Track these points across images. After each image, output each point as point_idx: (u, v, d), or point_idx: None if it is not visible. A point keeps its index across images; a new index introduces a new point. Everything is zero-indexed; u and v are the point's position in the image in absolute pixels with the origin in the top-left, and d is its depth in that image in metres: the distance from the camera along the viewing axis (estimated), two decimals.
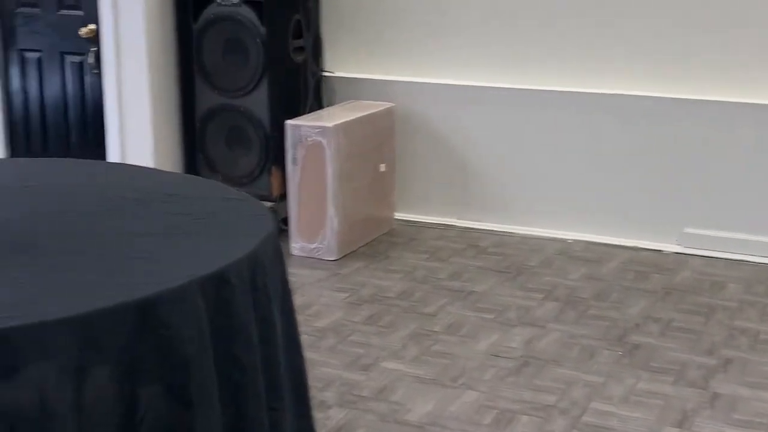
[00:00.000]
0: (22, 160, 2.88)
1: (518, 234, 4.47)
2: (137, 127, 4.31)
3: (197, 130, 4.43)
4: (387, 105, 4.57)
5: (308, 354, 2.20)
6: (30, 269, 1.72)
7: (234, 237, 1.97)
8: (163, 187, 2.31)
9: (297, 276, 3.83)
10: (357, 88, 4.66)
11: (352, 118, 4.33)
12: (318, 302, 3.71)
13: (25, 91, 4.53)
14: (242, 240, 1.93)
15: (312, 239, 4.21)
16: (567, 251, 4.27)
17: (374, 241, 4.40)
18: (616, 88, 4.25)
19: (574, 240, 4.37)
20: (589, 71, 4.30)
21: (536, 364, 3.17)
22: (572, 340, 3.36)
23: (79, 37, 4.36)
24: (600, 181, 4.35)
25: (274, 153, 4.32)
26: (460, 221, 4.61)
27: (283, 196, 4.34)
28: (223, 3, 4.28)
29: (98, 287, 1.66)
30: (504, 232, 4.49)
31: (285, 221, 4.29)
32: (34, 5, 4.45)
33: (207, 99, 4.38)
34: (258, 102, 4.32)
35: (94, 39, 4.33)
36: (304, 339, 2.18)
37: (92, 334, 1.55)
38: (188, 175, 2.60)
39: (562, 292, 3.80)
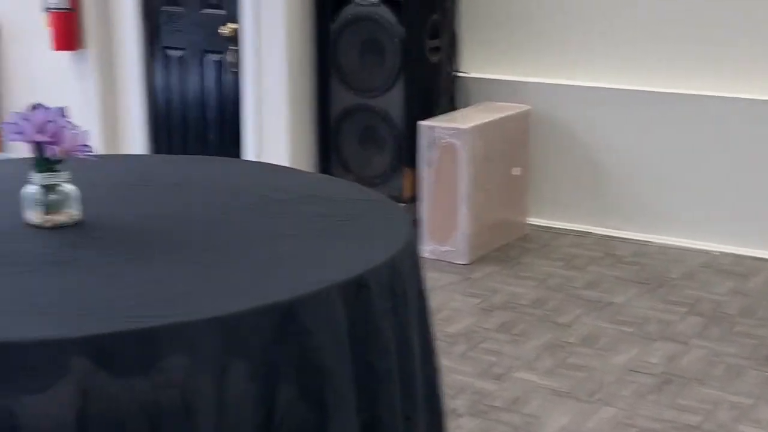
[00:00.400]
0: (168, 156, 2.93)
1: (658, 243, 4.29)
2: (273, 126, 4.35)
3: (332, 129, 4.44)
4: (522, 107, 4.47)
5: (439, 360, 2.15)
6: (179, 266, 1.73)
7: (373, 241, 1.93)
8: (303, 187, 2.30)
9: (428, 279, 3.76)
10: (492, 90, 4.57)
11: (486, 120, 4.25)
12: (449, 307, 3.65)
13: (167, 88, 4.64)
14: (382, 244, 1.89)
15: (443, 242, 4.15)
16: (711, 264, 4.06)
17: (506, 245, 4.31)
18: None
19: (720, 252, 4.16)
20: (740, 74, 4.09)
21: (678, 381, 3.02)
22: (717, 358, 3.18)
23: (220, 35, 4.43)
24: (747, 188, 4.12)
25: (407, 154, 4.28)
26: (597, 228, 4.46)
27: (414, 198, 4.30)
28: (361, 3, 4.27)
29: (242, 288, 1.65)
30: (643, 241, 4.32)
31: (416, 223, 4.25)
32: (178, 4, 4.56)
33: (342, 99, 4.39)
34: (393, 102, 4.29)
35: (235, 38, 4.39)
36: (435, 342, 2.13)
37: (234, 334, 1.54)
38: (326, 176, 2.58)
39: (705, 306, 3.62)
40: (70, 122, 1.89)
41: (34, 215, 1.90)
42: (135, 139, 4.72)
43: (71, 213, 1.93)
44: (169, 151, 4.65)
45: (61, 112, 1.88)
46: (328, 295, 1.66)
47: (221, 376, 1.53)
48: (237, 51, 4.39)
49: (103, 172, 2.24)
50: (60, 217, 1.91)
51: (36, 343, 1.42)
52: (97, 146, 4.61)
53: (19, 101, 4.95)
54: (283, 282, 1.69)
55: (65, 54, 4.66)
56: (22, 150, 1.97)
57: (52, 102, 4.53)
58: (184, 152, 4.58)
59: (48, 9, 4.61)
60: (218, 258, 1.78)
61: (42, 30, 4.71)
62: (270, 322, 1.58)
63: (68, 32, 4.60)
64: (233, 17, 4.39)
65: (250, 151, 4.40)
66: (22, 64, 4.98)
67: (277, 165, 2.62)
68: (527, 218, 4.53)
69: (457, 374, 3.07)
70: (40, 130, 1.84)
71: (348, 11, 4.30)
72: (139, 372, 1.46)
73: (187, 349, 1.49)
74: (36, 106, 1.87)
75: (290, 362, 1.62)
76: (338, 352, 1.67)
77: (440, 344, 3.21)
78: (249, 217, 2.03)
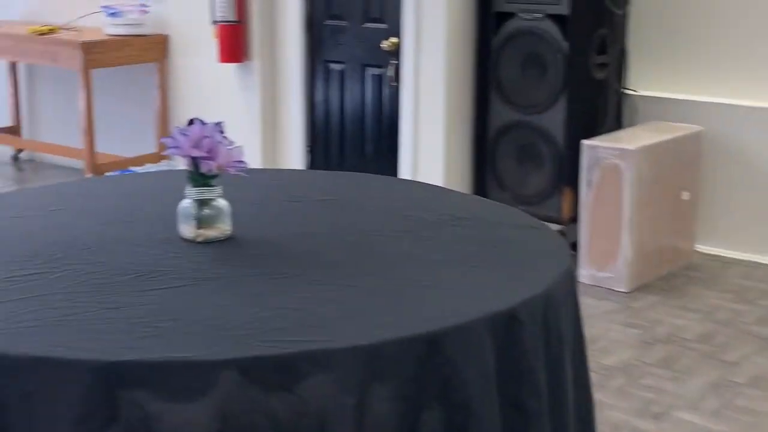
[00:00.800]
0: (320, 172, 2.92)
1: None
2: (430, 140, 4.30)
3: (489, 145, 4.34)
4: (694, 128, 4.23)
5: (594, 394, 2.02)
6: (324, 289, 1.69)
7: (527, 270, 1.83)
8: (455, 208, 2.22)
9: (584, 306, 3.62)
10: (662, 109, 4.35)
11: (654, 141, 4.04)
12: (606, 337, 3.48)
13: (327, 101, 4.67)
14: (536, 274, 1.79)
15: (602, 267, 3.97)
16: None
17: (670, 274, 4.08)
18: None
19: None
20: None
21: None
22: None
23: (380, 49, 4.42)
24: None
25: (568, 173, 4.13)
26: None
27: (573, 219, 4.14)
28: (525, 17, 4.16)
29: (387, 315, 1.59)
30: None
31: (574, 246, 4.09)
32: (341, 18, 4.59)
33: (501, 115, 4.29)
34: (554, 119, 4.16)
35: (395, 52, 4.38)
36: (591, 376, 2.01)
37: (377, 363, 1.48)
38: (480, 198, 2.49)
39: None
40: (225, 137, 1.89)
41: (187, 229, 1.91)
42: (293, 152, 4.78)
43: (222, 228, 1.93)
44: (326, 164, 4.68)
45: (218, 127, 1.88)
46: (476, 329, 1.58)
47: (361, 404, 1.48)
48: (397, 65, 4.37)
49: (255, 187, 2.25)
50: (211, 232, 1.91)
51: (178, 363, 1.40)
52: (256, 158, 4.70)
53: (186, 111, 5.12)
54: (430, 311, 1.62)
55: (231, 66, 4.78)
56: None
57: (216, 113, 4.65)
58: (341, 165, 4.60)
59: (216, 22, 4.74)
60: (364, 282, 1.73)
61: (209, 42, 4.85)
62: (414, 352, 1.52)
63: (234, 44, 4.71)
64: (395, 31, 4.38)
65: (406, 166, 4.37)
66: (189, 75, 5.14)
67: (430, 185, 2.55)
68: (694, 245, 4.28)
69: (612, 410, 2.90)
70: (196, 145, 1.85)
71: (511, 25, 4.20)
72: (278, 396, 1.43)
73: (328, 375, 1.45)
74: (193, 121, 1.87)
75: (433, 394, 1.55)
76: (485, 388, 1.58)
77: (595, 377, 3.06)
78: (398, 240, 1.97)
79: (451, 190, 2.52)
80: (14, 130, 5.91)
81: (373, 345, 1.48)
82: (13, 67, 5.84)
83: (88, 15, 5.19)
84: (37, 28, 5.20)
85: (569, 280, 1.87)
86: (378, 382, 1.48)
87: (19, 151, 6.00)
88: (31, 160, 6.01)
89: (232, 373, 1.41)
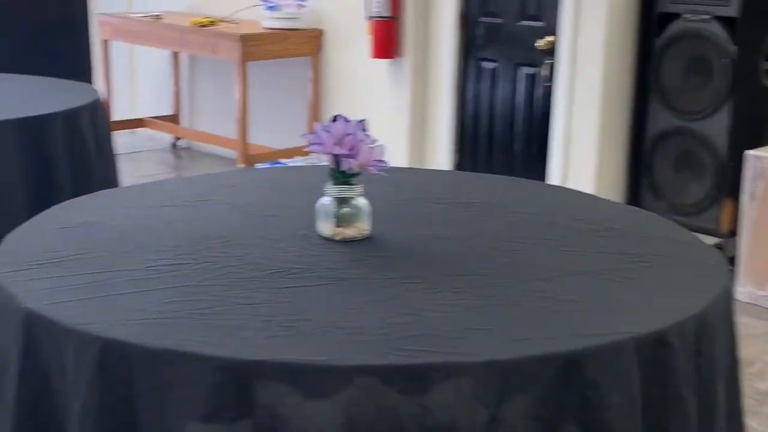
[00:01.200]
0: (465, 174, 2.85)
1: None
2: (582, 145, 4.16)
3: (645, 152, 4.16)
4: None
5: (747, 420, 1.87)
6: (459, 297, 1.62)
7: (680, 289, 1.71)
8: (605, 218, 2.11)
9: (740, 326, 3.40)
10: None
11: None
12: (762, 360, 3.26)
13: (477, 100, 4.60)
14: (690, 294, 1.67)
15: (762, 285, 3.73)
16: None
17: None
18: None
19: None
20: None
21: None
22: None
23: (535, 48, 4.31)
24: None
25: (729, 184, 3.91)
26: None
27: (732, 233, 3.91)
28: (690, 18, 3.95)
29: (525, 328, 1.52)
30: None
31: (732, 261, 3.86)
32: (496, 15, 4.50)
33: (660, 120, 4.10)
34: (716, 127, 3.93)
35: (551, 51, 4.25)
36: (744, 402, 1.86)
37: (513, 379, 1.41)
38: (633, 208, 2.36)
39: None
40: (368, 135, 1.85)
41: (325, 227, 1.89)
42: (440, 152, 4.73)
43: (361, 228, 1.89)
44: (473, 165, 4.60)
45: (361, 125, 1.85)
46: (621, 350, 1.48)
47: (493, 421, 1.41)
48: (552, 65, 4.24)
49: (398, 187, 2.20)
50: (350, 231, 1.88)
51: (309, 366, 1.37)
52: (403, 156, 4.67)
53: (337, 106, 5.15)
54: (571, 327, 1.53)
55: (383, 62, 4.77)
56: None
57: (366, 109, 4.67)
58: (488, 166, 4.51)
59: (371, 17, 4.74)
60: (502, 292, 1.65)
61: (362, 37, 4.86)
62: (553, 371, 1.44)
63: (388, 40, 4.70)
64: (552, 30, 4.25)
65: (555, 170, 4.24)
66: (342, 69, 5.17)
67: (581, 192, 2.43)
68: None
69: None
70: (339, 143, 1.82)
71: (675, 27, 4.00)
72: (407, 406, 1.38)
73: (460, 389, 1.39)
74: (336, 118, 1.84)
75: (571, 417, 1.46)
76: (628, 414, 1.48)
77: (748, 402, 2.86)
78: (542, 249, 1.88)
79: (603, 199, 2.40)
80: (174, 119, 6.12)
81: (510, 360, 1.41)
82: (175, 57, 6.05)
83: (247, 8, 5.31)
84: (199, 20, 5.36)
85: (726, 300, 1.73)
86: (512, 400, 1.41)
87: (178, 138, 6.21)
88: (188, 148, 6.20)
89: (362, 379, 1.37)
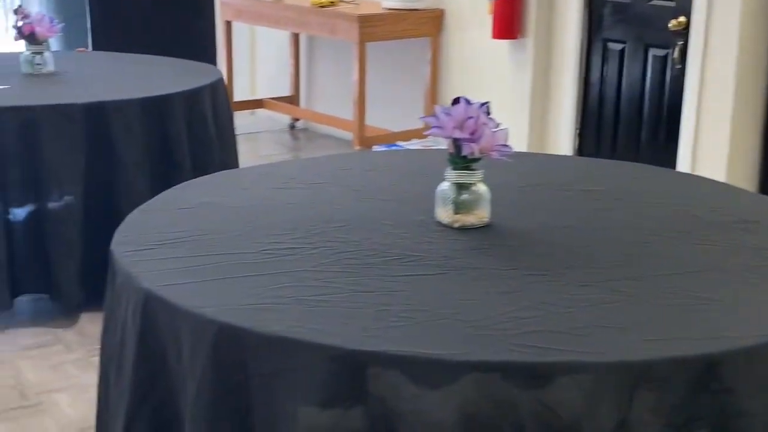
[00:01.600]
0: (589, 159, 2.73)
1: None
2: (713, 131, 3.95)
3: None
4: None
5: None
6: (584, 291, 1.54)
7: None
8: (742, 210, 1.97)
9: None
10: None
11: None
12: None
13: (602, 82, 4.43)
14: None
15: None
16: None
17: None
18: None
19: None
20: None
21: None
22: None
23: (666, 29, 4.11)
24: None
25: None
26: None
27: None
28: None
29: (657, 328, 1.42)
30: None
31: None
32: None
33: None
34: None
35: (683, 32, 4.05)
36: None
37: (644, 383, 1.32)
38: None
39: None
40: (491, 119, 1.77)
41: (444, 214, 1.83)
42: (561, 135, 4.59)
43: (481, 215, 1.82)
44: (596, 150, 4.44)
45: (484, 108, 1.77)
46: (761, 354, 1.37)
47: (622, 426, 1.33)
48: (683, 47, 4.04)
49: (517, 172, 2.12)
50: (469, 218, 1.81)
51: (426, 359, 1.32)
52: (522, 140, 4.55)
53: (455, 88, 5.07)
54: (709, 329, 1.42)
55: (504, 42, 4.65)
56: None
57: (485, 90, 4.54)
58: (612, 152, 4.35)
59: None
60: (632, 288, 1.55)
61: (484, 17, 4.75)
62: (688, 375, 1.35)
63: (510, 20, 4.57)
64: (684, 10, 4.05)
65: (683, 158, 4.04)
66: (461, 50, 5.07)
67: (715, 181, 2.29)
68: None
69: None
70: (460, 127, 1.75)
71: None
72: (527, 405, 1.31)
73: (586, 391, 1.31)
74: (458, 100, 1.77)
75: (707, 424, 1.37)
76: None
77: None
78: (675, 243, 1.77)
79: (741, 189, 2.26)
80: (292, 100, 6.16)
81: (642, 362, 1.32)
82: (295, 38, 6.08)
83: None
84: (319, 0, 5.35)
85: None
86: (643, 405, 1.32)
87: (296, 120, 6.25)
88: (305, 129, 6.23)
89: (481, 375, 1.31)
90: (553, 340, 1.36)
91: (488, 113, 1.77)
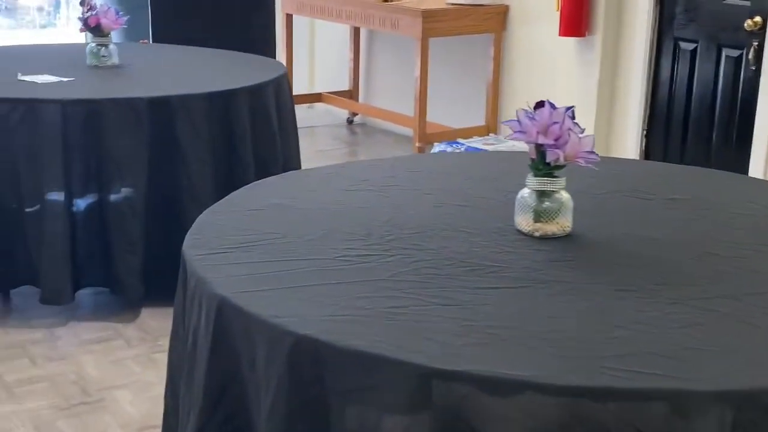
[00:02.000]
0: (666, 165, 2.63)
1: None
2: None
3: None
4: None
5: None
6: (677, 309, 1.45)
7: None
8: None
9: None
10: None
11: None
12: None
13: (672, 83, 4.31)
14: None
15: None
16: None
17: None
18: None
19: None
20: None
21: None
22: None
23: (741, 29, 3.98)
24: None
25: None
26: None
27: None
28: None
29: (758, 351, 1.34)
30: None
31: None
32: None
33: None
34: None
35: (758, 33, 3.91)
36: None
37: (748, 413, 1.24)
38: None
39: None
40: (576, 124, 1.70)
41: (524, 222, 1.76)
42: (628, 137, 4.47)
43: (563, 224, 1.75)
44: (664, 153, 4.32)
45: (569, 112, 1.70)
46: None
47: None
48: (758, 47, 3.90)
49: (595, 178, 2.03)
50: (551, 227, 1.74)
51: (510, 381, 1.25)
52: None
53: (518, 86, 4.98)
54: None
55: (570, 40, 4.54)
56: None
57: (549, 89, 4.43)
58: (681, 155, 4.22)
59: None
60: (729, 307, 1.47)
61: (550, 14, 4.64)
62: None
63: (578, 17, 4.46)
64: (760, 9, 3.91)
65: (756, 161, 3.91)
66: (526, 48, 4.97)
67: None
68: None
69: None
70: (544, 132, 1.68)
71: None
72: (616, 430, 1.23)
73: (684, 420, 1.23)
74: (541, 104, 1.70)
75: None
76: None
77: None
78: (761, 256, 1.68)
79: None
80: (351, 94, 6.11)
81: (747, 392, 1.23)
82: (356, 32, 6.02)
83: None
84: None
85: None
86: None
87: (354, 114, 6.19)
88: (363, 124, 6.18)
89: (573, 400, 1.24)
90: (648, 364, 1.28)
91: (573, 118, 1.70)
